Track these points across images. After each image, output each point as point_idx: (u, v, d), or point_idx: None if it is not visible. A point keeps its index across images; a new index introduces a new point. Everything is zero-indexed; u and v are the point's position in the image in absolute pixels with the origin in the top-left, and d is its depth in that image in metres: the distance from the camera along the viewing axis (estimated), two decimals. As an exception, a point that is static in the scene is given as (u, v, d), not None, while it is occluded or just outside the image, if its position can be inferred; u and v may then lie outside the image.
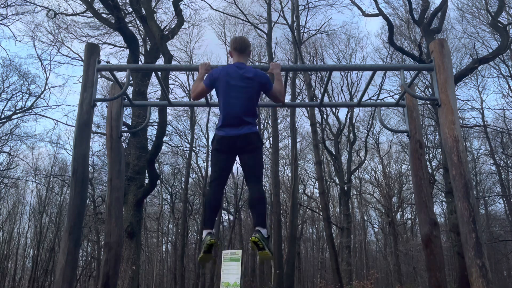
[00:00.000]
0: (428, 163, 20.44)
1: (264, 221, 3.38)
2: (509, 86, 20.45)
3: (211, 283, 22.12)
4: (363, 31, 43.39)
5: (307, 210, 30.35)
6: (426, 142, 20.18)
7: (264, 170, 3.69)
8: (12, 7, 16.28)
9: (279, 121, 21.57)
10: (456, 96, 5.20)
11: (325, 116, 24.56)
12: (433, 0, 17.96)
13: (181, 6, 14.80)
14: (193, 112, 23.68)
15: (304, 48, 22.62)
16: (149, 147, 13.08)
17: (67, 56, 18.62)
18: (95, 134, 16.62)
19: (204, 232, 3.37)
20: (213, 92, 3.76)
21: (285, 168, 28.10)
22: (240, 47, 3.68)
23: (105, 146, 13.85)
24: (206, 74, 3.77)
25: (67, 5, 31.40)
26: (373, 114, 23.52)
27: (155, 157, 13.24)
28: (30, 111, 18.95)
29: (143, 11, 13.38)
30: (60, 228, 24.69)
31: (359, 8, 16.44)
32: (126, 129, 11.11)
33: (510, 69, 19.78)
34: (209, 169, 24.29)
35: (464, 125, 19.05)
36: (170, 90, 20.72)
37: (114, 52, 44.57)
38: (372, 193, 29.76)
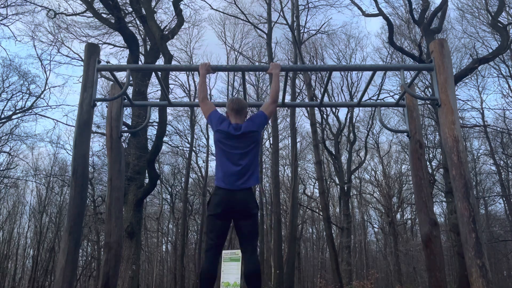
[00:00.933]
0: (428, 163, 20.44)
1: None
2: (509, 86, 20.46)
3: (211, 283, 22.07)
4: (363, 31, 43.37)
5: (307, 210, 30.35)
6: (426, 142, 20.18)
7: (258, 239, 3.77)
8: (12, 7, 16.31)
9: (279, 121, 21.57)
10: (456, 96, 5.20)
11: (325, 116, 24.58)
12: (433, 0, 17.96)
13: (181, 6, 14.81)
14: (193, 112, 23.67)
15: (304, 48, 22.62)
16: (149, 147, 13.08)
17: (67, 56, 18.64)
18: (95, 134, 16.63)
19: None
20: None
21: (285, 168, 28.11)
22: (237, 107, 3.75)
23: (105, 146, 13.86)
24: (212, 111, 3.81)
25: (67, 5, 31.41)
26: (373, 114, 23.52)
27: (155, 157, 13.24)
28: (30, 111, 18.97)
29: (143, 11, 13.38)
30: (60, 228, 24.69)
31: (359, 8, 16.44)
32: (126, 129, 11.10)
33: (510, 69, 19.79)
34: (209, 170, 24.44)
35: (464, 125, 19.05)
36: (170, 90, 20.71)
37: (114, 52, 44.57)
38: (372, 193, 29.77)
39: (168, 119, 15.85)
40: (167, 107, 12.72)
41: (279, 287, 15.72)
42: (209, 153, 24.45)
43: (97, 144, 37.62)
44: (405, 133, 5.09)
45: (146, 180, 13.33)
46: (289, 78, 18.04)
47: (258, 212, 3.66)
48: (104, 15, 14.15)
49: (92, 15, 14.78)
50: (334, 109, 24.37)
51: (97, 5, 14.24)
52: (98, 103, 5.08)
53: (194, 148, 24.67)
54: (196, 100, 5.88)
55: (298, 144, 25.06)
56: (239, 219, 3.51)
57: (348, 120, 24.45)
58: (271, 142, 20.19)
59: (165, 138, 16.79)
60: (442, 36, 17.38)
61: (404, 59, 17.33)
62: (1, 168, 21.82)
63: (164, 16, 29.69)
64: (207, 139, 24.79)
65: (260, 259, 23.84)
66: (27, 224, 31.09)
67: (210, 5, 20.95)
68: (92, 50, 4.46)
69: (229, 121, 3.70)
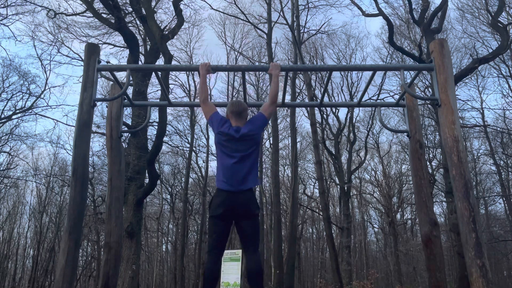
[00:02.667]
0: (428, 163, 20.44)
1: None
2: (509, 86, 20.46)
3: (211, 283, 22.07)
4: (363, 31, 43.37)
5: (307, 210, 30.35)
6: (426, 142, 20.17)
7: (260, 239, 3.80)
8: (12, 7, 16.30)
9: (279, 121, 21.57)
10: (456, 96, 5.20)
11: (325, 116, 24.57)
12: (433, 0, 17.96)
13: (181, 6, 14.78)
14: (193, 112, 23.68)
15: (304, 48, 22.62)
16: (149, 147, 13.07)
17: (67, 56, 18.63)
18: (95, 134, 16.61)
19: None
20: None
21: (285, 168, 28.11)
22: (237, 110, 3.76)
23: (105, 146, 13.84)
24: (213, 113, 3.82)
25: (67, 5, 31.45)
26: (373, 114, 23.51)
27: (155, 157, 13.22)
28: (30, 111, 18.97)
29: (143, 11, 13.36)
30: (60, 228, 24.70)
31: (359, 8, 16.44)
32: (126, 129, 11.10)
33: (510, 69, 19.78)
34: (209, 170, 24.44)
35: (464, 125, 19.05)
36: (170, 90, 20.71)
37: (114, 52, 44.64)
38: (372, 193, 29.78)
39: (168, 119, 15.85)
40: (167, 107, 12.72)
41: (279, 287, 15.72)
42: (209, 153, 24.45)
43: (97, 144, 37.58)
44: (405, 133, 5.09)
45: (146, 180, 13.31)
46: (289, 78, 18.04)
47: (259, 213, 3.67)
48: (104, 15, 14.13)
49: (92, 15, 14.77)
50: (334, 109, 24.37)
51: (97, 5, 14.22)
52: (98, 103, 5.08)
53: (194, 148, 24.68)
54: (196, 100, 5.90)
55: (298, 144, 25.10)
56: (240, 220, 3.53)
57: (348, 120, 24.46)
58: (271, 142, 20.20)
59: (165, 138, 16.78)
60: (442, 36, 17.38)
61: (404, 59, 17.33)
62: (1, 168, 21.82)
63: (164, 16, 29.75)
64: (207, 139, 24.80)
65: (260, 259, 23.77)
66: (27, 224, 31.13)
67: (210, 5, 20.95)
68: (92, 50, 4.45)
69: (230, 123, 3.71)
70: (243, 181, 3.50)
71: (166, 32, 14.02)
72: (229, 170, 3.52)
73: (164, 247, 35.99)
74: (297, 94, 21.86)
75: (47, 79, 23.76)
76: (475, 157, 24.14)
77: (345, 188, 22.98)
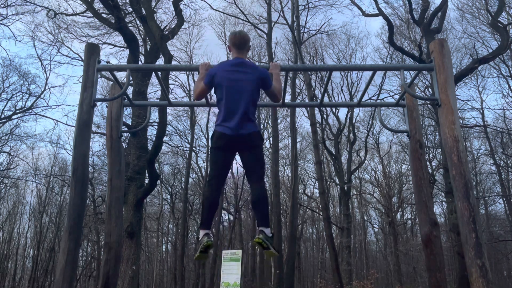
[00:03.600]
0: (428, 163, 20.44)
1: (267, 221, 3.39)
2: (509, 86, 20.47)
3: (211, 283, 22.11)
4: (363, 31, 43.41)
5: (307, 210, 30.34)
6: (426, 142, 20.17)
7: (265, 168, 3.67)
8: (12, 7, 16.30)
9: (279, 121, 21.57)
10: (456, 96, 5.20)
11: (325, 116, 24.58)
12: (433, 0, 17.97)
13: (181, 6, 14.79)
14: (193, 112, 23.68)
15: (304, 48, 22.62)
16: (149, 147, 13.07)
17: (67, 56, 18.64)
18: (95, 134, 16.61)
19: (201, 233, 3.37)
20: (213, 91, 3.75)
21: (285, 168, 28.12)
22: (239, 42, 3.63)
23: (105, 146, 13.83)
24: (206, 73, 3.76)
25: (67, 5, 31.45)
26: (373, 114, 23.52)
27: (155, 157, 13.22)
28: (30, 111, 18.98)
29: (143, 11, 13.37)
30: (60, 228, 24.70)
31: (359, 8, 16.44)
32: (126, 129, 11.09)
33: (510, 69, 19.79)
34: (209, 166, 24.43)
35: (464, 125, 19.05)
36: (170, 90, 20.71)
37: (114, 52, 44.65)
38: (372, 193, 29.77)
39: (168, 119, 15.85)
40: (167, 107, 12.72)
41: (279, 287, 15.72)
42: (209, 153, 24.42)
43: (97, 144, 37.64)
44: (405, 133, 5.09)
45: (146, 180, 13.32)
46: (289, 78, 18.04)
47: (262, 143, 3.60)
48: (104, 15, 14.14)
49: (92, 15, 14.77)
50: (334, 109, 24.37)
51: (97, 5, 14.23)
52: (98, 103, 5.08)
53: (194, 148, 24.69)
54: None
55: (298, 144, 25.10)
56: (243, 151, 3.49)
57: (348, 120, 24.46)
58: (271, 142, 20.19)
59: (165, 138, 16.79)
60: (442, 36, 17.38)
61: (404, 59, 17.33)
62: (1, 168, 21.82)
63: (164, 16, 29.76)
64: (207, 139, 24.80)
65: (260, 259, 23.88)
66: (27, 224, 31.13)
67: (210, 5, 20.94)
68: (92, 50, 4.45)
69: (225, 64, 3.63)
70: (244, 125, 3.42)
71: (166, 32, 14.03)
72: (228, 115, 3.43)
73: (164, 247, 36.02)
74: (297, 94, 21.87)
75: (47, 79, 23.78)
76: (475, 157, 24.15)
77: (345, 188, 22.98)
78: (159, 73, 8.19)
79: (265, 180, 3.69)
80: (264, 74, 3.61)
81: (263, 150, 3.75)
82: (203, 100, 4.74)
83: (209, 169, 3.72)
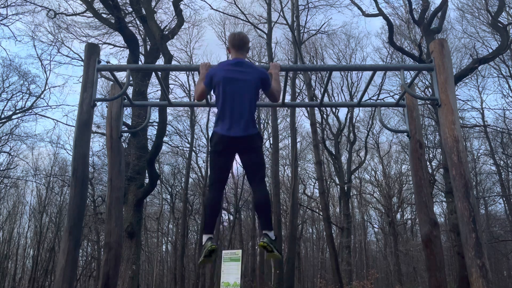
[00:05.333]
0: (428, 163, 20.43)
1: (271, 224, 3.39)
2: (509, 86, 20.47)
3: (211, 283, 22.11)
4: (363, 31, 43.43)
5: (307, 210, 30.34)
6: (426, 142, 20.16)
7: (266, 169, 3.64)
8: (12, 7, 16.29)
9: (279, 121, 21.58)
10: (456, 96, 5.20)
11: (325, 116, 24.58)
12: (433, 0, 17.98)
13: (181, 6, 14.79)
14: (193, 112, 23.68)
15: (304, 48, 22.61)
16: (149, 147, 13.07)
17: (67, 56, 18.63)
18: (95, 134, 16.61)
19: (205, 237, 3.36)
20: (213, 91, 3.73)
21: (285, 168, 28.12)
22: (238, 43, 3.62)
23: (105, 146, 13.85)
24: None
25: (67, 5, 31.38)
26: (373, 114, 23.52)
27: (155, 157, 13.23)
28: (30, 111, 18.97)
29: (143, 11, 13.36)
30: (60, 228, 24.70)
31: (359, 8, 16.43)
32: (126, 129, 11.09)
33: (510, 69, 19.78)
34: (209, 169, 24.41)
35: (464, 125, 19.04)
36: (170, 90, 20.71)
37: (114, 52, 44.65)
38: (372, 193, 29.75)
39: (168, 119, 15.85)
40: (167, 107, 12.72)
41: (279, 287, 15.72)
42: (209, 153, 24.42)
43: (97, 144, 37.56)
44: (405, 133, 5.09)
45: (146, 180, 13.32)
46: (289, 78, 18.04)
47: (262, 144, 3.58)
48: (104, 15, 14.13)
49: (92, 15, 14.77)
50: (334, 109, 24.37)
51: (97, 5, 14.22)
52: (98, 103, 5.08)
53: (194, 148, 24.69)
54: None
55: (298, 144, 25.10)
56: (243, 153, 3.46)
57: (348, 120, 24.46)
58: (271, 142, 20.18)
59: (165, 138, 16.78)
60: (442, 36, 17.38)
61: (404, 59, 17.33)
62: (1, 168, 21.81)
63: (164, 16, 29.66)
64: (207, 139, 24.78)
65: (260, 259, 23.88)
66: (27, 224, 31.12)
67: (210, 5, 20.96)
68: (92, 50, 4.45)
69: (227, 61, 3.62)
70: (244, 126, 3.40)
71: (166, 32, 14.03)
72: (228, 113, 3.40)
73: (164, 247, 36.02)
74: (297, 94, 21.87)
75: (47, 79, 23.77)
76: (475, 157, 24.14)
77: (345, 188, 22.98)
78: (159, 73, 8.19)
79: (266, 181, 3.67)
80: (264, 74, 3.59)
81: (263, 151, 3.74)
82: (203, 100, 4.74)
83: (209, 173, 3.67)
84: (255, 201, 3.45)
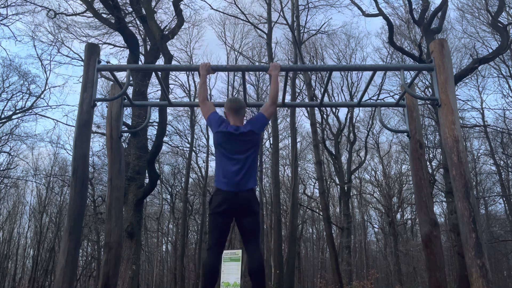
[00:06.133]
0: (428, 163, 20.43)
1: None
2: (509, 86, 20.47)
3: (211, 283, 22.08)
4: (363, 31, 43.44)
5: (307, 210, 30.34)
6: (426, 142, 20.16)
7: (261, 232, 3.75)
8: (12, 7, 16.30)
9: (279, 121, 21.57)
10: (456, 96, 5.20)
11: (325, 116, 24.57)
12: (433, 0, 17.98)
13: (181, 6, 14.78)
14: (193, 112, 23.68)
15: (304, 48, 22.61)
16: (149, 147, 13.07)
17: (67, 56, 18.66)
18: (95, 134, 16.62)
19: None
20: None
21: (285, 168, 28.10)
22: (235, 107, 3.75)
23: (105, 146, 13.85)
24: (212, 112, 3.80)
25: (67, 5, 31.39)
26: (373, 114, 23.52)
27: (155, 157, 13.22)
28: (30, 111, 18.99)
29: (143, 11, 13.36)
30: (60, 228, 24.71)
31: (359, 8, 16.43)
32: (126, 129, 11.08)
33: (510, 69, 19.78)
34: (209, 170, 24.41)
35: (464, 125, 19.04)
36: (170, 90, 20.70)
37: (114, 52, 44.69)
38: (372, 193, 29.75)
39: (168, 119, 15.85)
40: (167, 107, 12.72)
41: (279, 287, 15.72)
42: (209, 153, 24.45)
43: (97, 144, 37.58)
44: (405, 133, 5.08)
45: (146, 180, 13.32)
46: (289, 78, 18.02)
47: (259, 210, 3.67)
48: (104, 15, 14.13)
49: (92, 15, 14.76)
50: (334, 109, 24.37)
51: (97, 5, 14.22)
52: (98, 103, 5.08)
53: (194, 148, 24.68)
54: (196, 100, 5.89)
55: (298, 144, 25.09)
56: (241, 217, 3.52)
57: (348, 120, 24.46)
58: (271, 142, 20.19)
59: (165, 138, 16.78)
60: (442, 36, 17.38)
61: (404, 59, 17.33)
62: (1, 168, 21.82)
63: (164, 16, 29.63)
64: (207, 139, 24.81)
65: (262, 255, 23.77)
66: (27, 224, 31.13)
67: (210, 5, 20.96)
68: (92, 50, 4.45)
69: (228, 123, 3.71)
70: (243, 183, 3.50)
71: (166, 32, 14.02)
72: (229, 172, 3.52)
73: (164, 247, 36.02)
74: (297, 94, 21.86)
75: (47, 79, 23.82)
76: (475, 157, 24.13)
77: (345, 188, 22.98)
78: (159, 73, 8.18)
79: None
80: (258, 122, 3.73)
81: (260, 219, 3.82)
82: None
83: (207, 236, 3.71)
84: (249, 265, 3.43)
